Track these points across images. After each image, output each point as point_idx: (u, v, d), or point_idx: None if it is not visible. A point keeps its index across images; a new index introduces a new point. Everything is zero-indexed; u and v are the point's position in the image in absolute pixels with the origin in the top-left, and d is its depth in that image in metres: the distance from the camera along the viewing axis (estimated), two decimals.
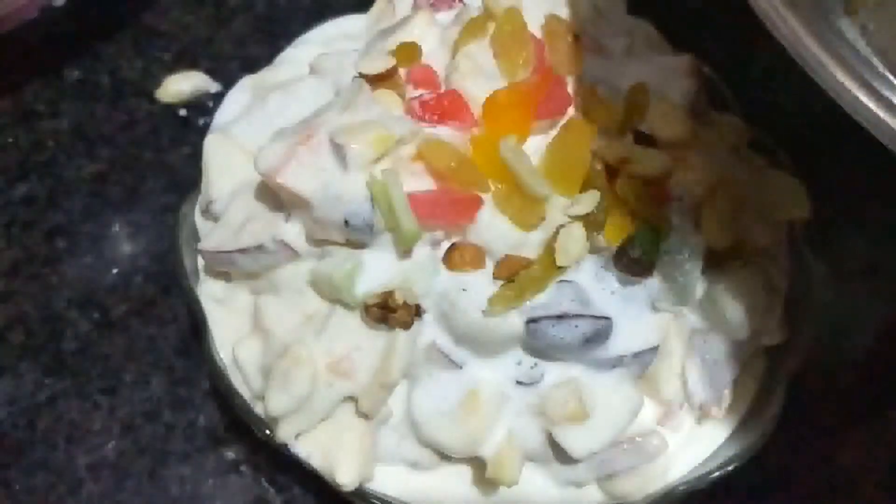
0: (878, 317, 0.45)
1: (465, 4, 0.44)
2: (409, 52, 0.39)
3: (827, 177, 0.50)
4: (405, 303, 0.34)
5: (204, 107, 0.54)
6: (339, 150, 0.35)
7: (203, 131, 0.53)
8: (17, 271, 0.48)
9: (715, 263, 0.37)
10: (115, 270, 0.48)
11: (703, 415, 0.38)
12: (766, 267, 0.39)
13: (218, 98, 0.54)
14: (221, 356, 0.38)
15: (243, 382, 0.38)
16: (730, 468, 0.37)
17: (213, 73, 0.55)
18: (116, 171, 0.52)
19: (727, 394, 0.38)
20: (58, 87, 0.54)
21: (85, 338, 0.46)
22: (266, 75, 0.44)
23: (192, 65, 0.56)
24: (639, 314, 0.36)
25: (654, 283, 0.36)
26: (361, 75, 0.38)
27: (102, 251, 0.49)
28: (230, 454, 0.44)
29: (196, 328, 0.42)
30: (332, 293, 0.35)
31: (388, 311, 0.34)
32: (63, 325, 0.47)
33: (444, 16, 0.44)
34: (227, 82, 0.55)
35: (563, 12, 0.41)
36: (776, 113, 0.51)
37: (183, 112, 0.54)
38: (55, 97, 0.54)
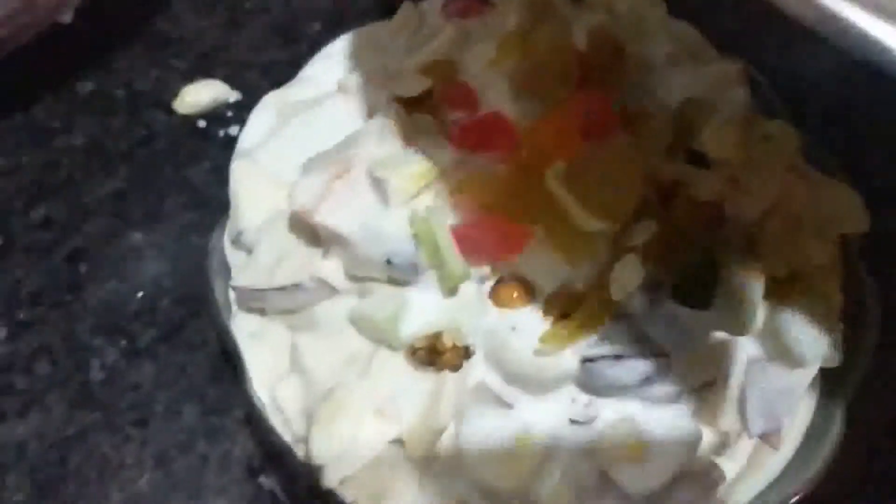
0: None
1: (495, 7, 0.43)
2: (443, 69, 0.37)
3: (882, 183, 0.49)
4: (454, 345, 0.33)
5: (224, 117, 0.52)
6: (378, 185, 0.33)
7: (224, 143, 0.51)
8: (39, 299, 0.47)
9: (774, 290, 0.35)
10: (139, 294, 0.47)
11: (761, 444, 0.37)
12: (824, 287, 0.38)
13: (237, 107, 0.52)
14: (259, 394, 0.37)
15: (284, 424, 0.36)
16: (791, 500, 0.36)
17: (230, 80, 0.53)
18: (136, 190, 0.50)
19: (786, 423, 0.36)
20: (71, 102, 0.52)
21: (112, 367, 0.45)
22: (290, 92, 0.42)
23: (209, 73, 0.54)
24: (696, 347, 0.34)
25: (712, 313, 0.34)
26: (396, 98, 0.36)
27: (126, 274, 0.48)
28: (267, 484, 0.43)
29: (227, 354, 0.41)
30: (376, 335, 0.34)
31: (436, 355, 0.33)
32: (89, 354, 0.45)
33: (475, 21, 0.42)
34: (247, 90, 0.53)
35: (605, 21, 0.39)
36: (826, 115, 0.49)
37: (202, 123, 0.52)
38: (69, 112, 0.52)
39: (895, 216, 0.44)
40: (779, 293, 0.35)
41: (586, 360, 0.33)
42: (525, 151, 0.35)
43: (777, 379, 0.36)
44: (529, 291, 0.34)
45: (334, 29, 0.53)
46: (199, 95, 0.52)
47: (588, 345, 0.33)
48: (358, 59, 0.42)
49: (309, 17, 0.56)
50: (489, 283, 0.34)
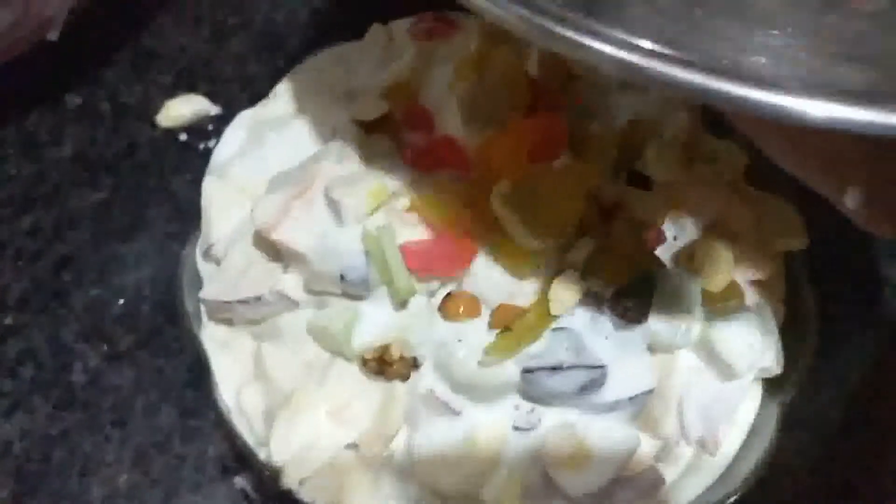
0: (874, 345, 0.45)
1: (462, 30, 0.45)
2: (402, 92, 0.39)
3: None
4: (402, 356, 0.35)
5: (204, 131, 0.54)
6: (334, 205, 0.35)
7: (204, 156, 0.53)
8: (26, 304, 0.49)
9: (711, 304, 0.37)
10: (121, 301, 0.49)
11: (699, 449, 0.39)
12: (763, 299, 0.40)
13: (218, 121, 0.55)
14: (225, 399, 0.39)
15: (248, 427, 0.38)
16: (729, 500, 0.38)
17: (212, 95, 0.55)
18: (120, 200, 0.52)
19: (723, 428, 0.38)
20: (59, 115, 0.54)
21: (94, 370, 0.47)
22: (263, 110, 0.44)
23: (192, 87, 0.56)
24: (634, 358, 0.36)
25: (649, 326, 0.36)
26: (356, 121, 0.38)
27: (109, 282, 0.50)
28: (240, 483, 0.45)
29: (202, 360, 0.43)
30: (331, 345, 0.36)
31: (385, 365, 0.35)
32: (72, 357, 0.48)
33: (440, 42, 0.44)
34: (227, 104, 0.55)
35: None
36: None
37: (184, 137, 0.54)
38: (57, 125, 0.54)
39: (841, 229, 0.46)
40: (715, 307, 0.37)
41: (526, 371, 0.35)
42: (475, 173, 0.37)
43: (713, 388, 0.38)
44: (476, 305, 0.36)
45: (313, 45, 0.55)
46: (181, 110, 0.54)
47: (529, 356, 0.35)
48: (326, 79, 0.44)
49: (289, 33, 0.58)
50: (438, 297, 0.36)
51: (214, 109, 0.55)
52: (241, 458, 0.45)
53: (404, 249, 0.35)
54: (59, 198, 0.52)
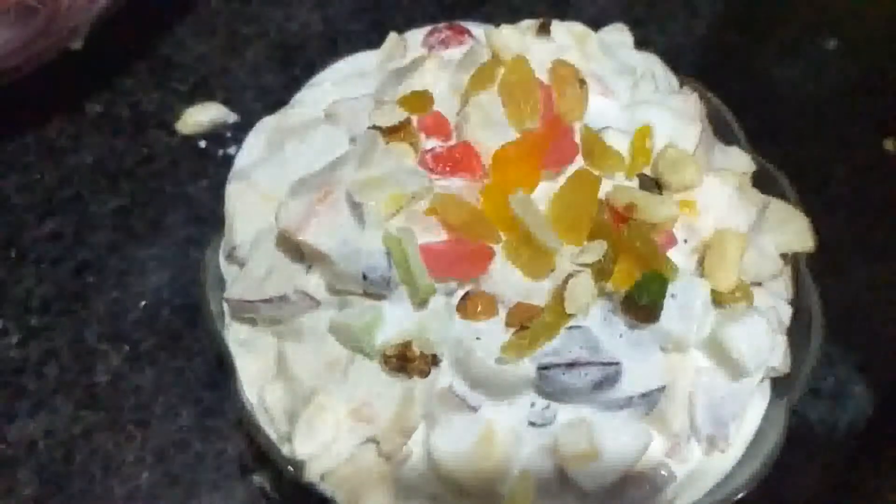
0: (880, 344, 0.46)
1: (475, 39, 0.46)
2: (420, 101, 0.41)
3: (832, 199, 0.52)
4: (422, 353, 0.36)
5: (222, 138, 0.56)
6: (356, 208, 0.36)
7: (222, 162, 0.55)
8: (48, 307, 0.50)
9: (720, 304, 0.38)
10: (142, 304, 0.50)
11: (709, 447, 0.40)
12: (770, 300, 0.41)
13: (235, 128, 0.56)
14: (248, 398, 0.40)
15: (270, 424, 0.39)
16: (736, 497, 0.39)
17: (229, 102, 0.57)
18: (139, 205, 0.54)
19: (732, 426, 0.39)
20: (80, 123, 0.56)
21: (116, 371, 0.49)
22: (282, 118, 0.45)
23: (209, 95, 0.57)
24: (646, 356, 0.37)
25: (660, 326, 0.37)
26: (375, 127, 0.39)
27: (129, 285, 0.51)
28: (258, 482, 0.46)
29: (221, 361, 0.44)
30: (353, 343, 0.37)
31: (406, 362, 0.36)
32: (95, 359, 0.49)
33: (455, 51, 0.45)
34: (244, 112, 0.56)
35: (571, 54, 0.42)
36: (784, 135, 0.52)
37: (202, 143, 0.56)
38: (78, 132, 0.56)
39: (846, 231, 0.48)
40: (725, 308, 0.38)
41: (542, 368, 0.36)
42: (491, 177, 0.38)
43: (723, 386, 0.39)
44: (493, 304, 0.37)
45: (327, 54, 0.57)
46: (200, 117, 0.56)
47: (544, 353, 0.36)
48: (345, 87, 0.46)
49: (303, 42, 0.60)
50: (457, 296, 0.37)
51: (232, 117, 0.56)
52: (259, 456, 0.46)
53: (424, 251, 0.36)
54: (80, 204, 0.53)
